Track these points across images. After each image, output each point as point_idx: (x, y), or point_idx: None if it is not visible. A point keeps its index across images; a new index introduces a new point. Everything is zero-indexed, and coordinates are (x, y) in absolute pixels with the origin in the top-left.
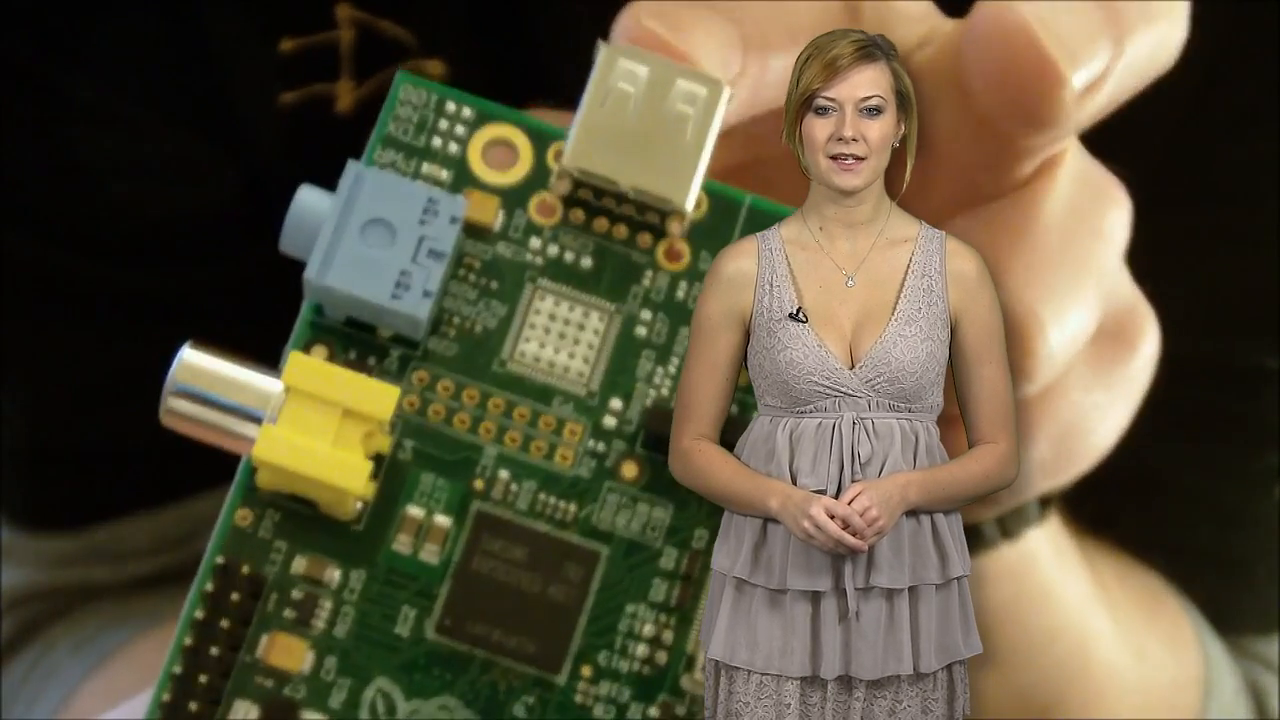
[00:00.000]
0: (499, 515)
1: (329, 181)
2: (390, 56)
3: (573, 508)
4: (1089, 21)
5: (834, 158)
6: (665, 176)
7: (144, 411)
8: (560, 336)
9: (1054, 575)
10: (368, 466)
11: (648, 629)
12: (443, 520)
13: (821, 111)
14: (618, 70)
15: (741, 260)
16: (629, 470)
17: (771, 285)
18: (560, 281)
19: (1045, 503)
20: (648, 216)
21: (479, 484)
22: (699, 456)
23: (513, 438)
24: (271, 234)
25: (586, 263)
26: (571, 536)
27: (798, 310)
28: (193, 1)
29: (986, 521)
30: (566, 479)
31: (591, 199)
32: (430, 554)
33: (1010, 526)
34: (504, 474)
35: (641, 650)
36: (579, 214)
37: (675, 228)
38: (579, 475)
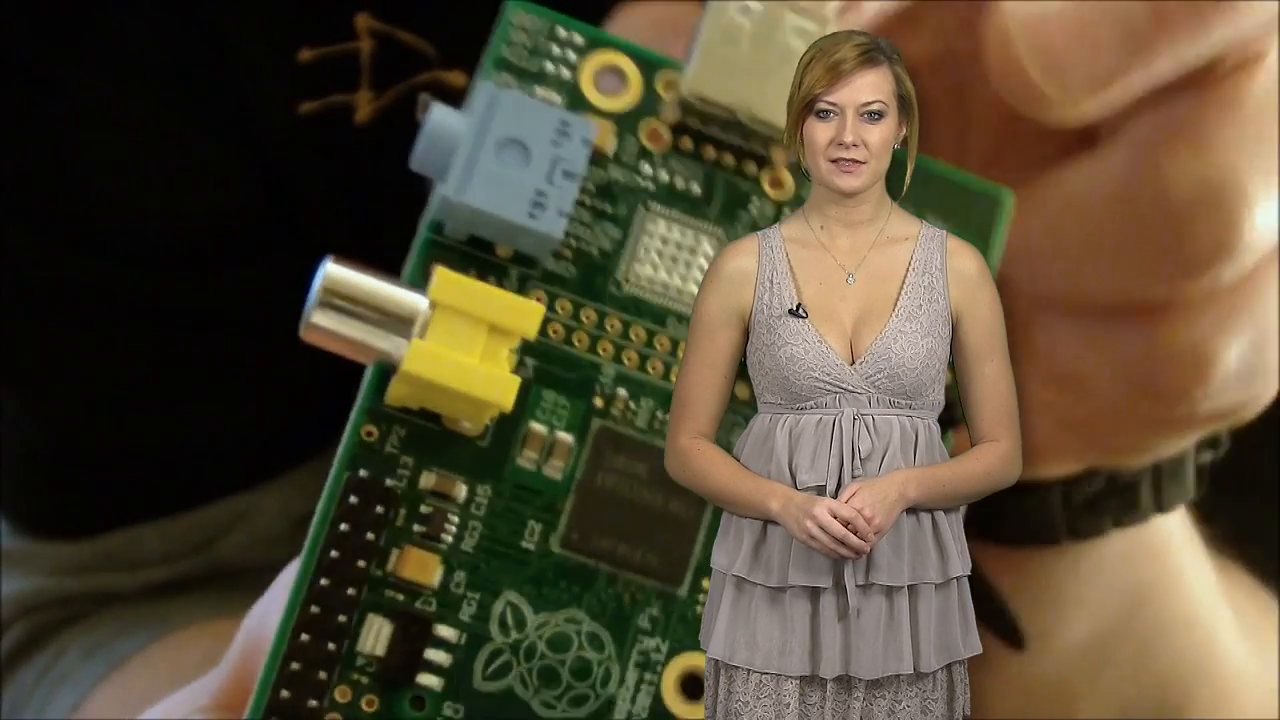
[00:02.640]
0: (621, 431)
1: (349, 192)
2: (410, 68)
3: None
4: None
5: (834, 161)
6: (779, 106)
7: (156, 418)
8: (673, 260)
9: (1187, 561)
10: (516, 381)
11: None
12: (565, 437)
13: (823, 115)
14: (733, 5)
15: (741, 258)
16: (741, 391)
17: (772, 282)
18: (672, 206)
19: (1200, 473)
20: (753, 145)
21: (599, 401)
22: (697, 456)
23: (630, 357)
24: (292, 240)
25: (696, 189)
26: None
27: (798, 306)
28: (214, 11)
29: (1143, 486)
30: None
31: (699, 127)
32: (554, 469)
33: (1167, 497)
34: (622, 392)
35: None
36: (687, 142)
37: (780, 157)
38: None
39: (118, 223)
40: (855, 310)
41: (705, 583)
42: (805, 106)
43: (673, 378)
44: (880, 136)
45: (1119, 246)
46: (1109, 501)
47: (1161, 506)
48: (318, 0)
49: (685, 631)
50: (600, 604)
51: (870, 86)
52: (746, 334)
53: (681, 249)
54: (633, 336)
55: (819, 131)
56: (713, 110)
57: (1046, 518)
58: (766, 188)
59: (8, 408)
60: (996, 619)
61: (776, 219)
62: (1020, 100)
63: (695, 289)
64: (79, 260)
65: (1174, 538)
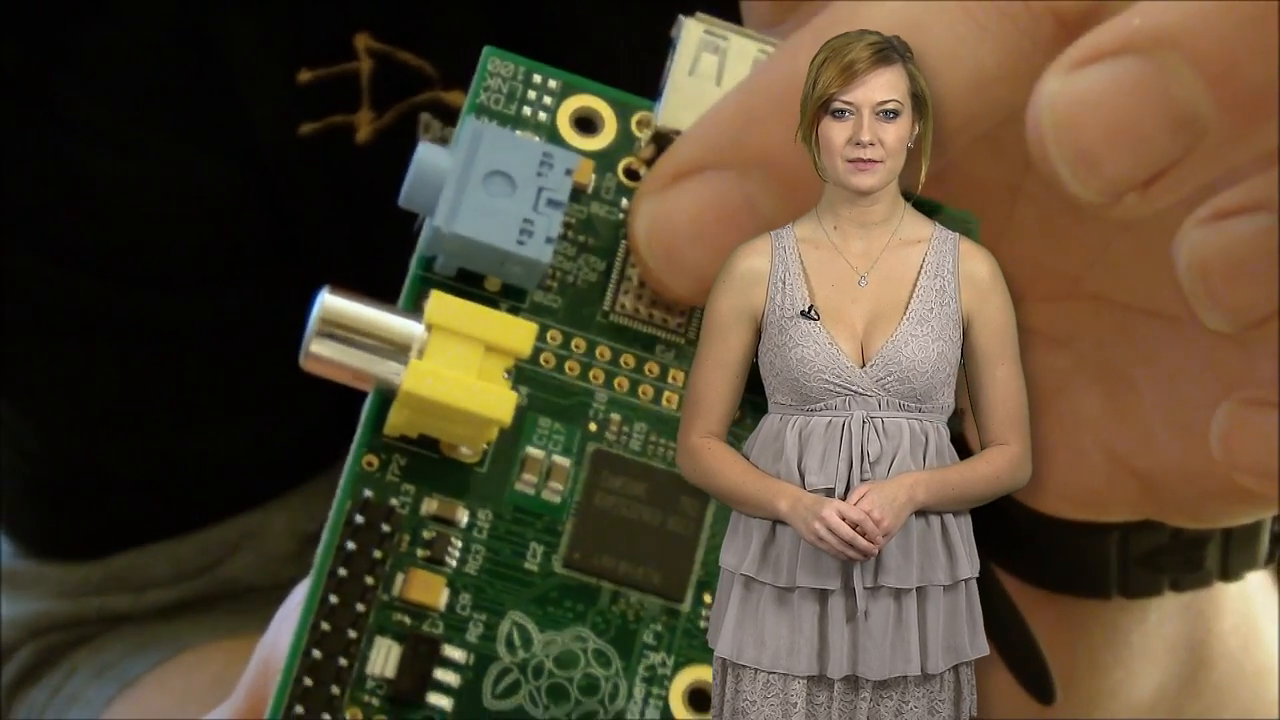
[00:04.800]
0: (616, 454)
1: (351, 212)
2: (410, 87)
3: None
4: None
5: (851, 160)
6: None
7: (162, 438)
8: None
9: (1261, 608)
10: (514, 396)
11: None
12: (562, 460)
13: (839, 115)
14: (701, 41)
15: (754, 258)
16: None
17: (784, 283)
18: None
19: (1275, 540)
20: None
21: (593, 426)
22: (707, 455)
23: (620, 383)
24: (294, 260)
25: None
26: None
27: (809, 308)
28: (214, 33)
29: (1209, 547)
30: (674, 420)
31: None
32: (553, 492)
33: (1234, 565)
34: (616, 416)
35: None
36: None
37: None
38: None
39: (120, 243)
40: (867, 313)
41: (707, 598)
42: (820, 107)
43: (664, 401)
44: (896, 135)
45: None
46: (1169, 559)
47: (1227, 574)
48: (317, 21)
49: (690, 646)
50: (605, 621)
51: (885, 85)
52: (758, 334)
53: None
54: (622, 363)
55: (835, 131)
56: None
57: (1100, 567)
58: None
59: (14, 429)
60: (1030, 669)
61: None
62: (1065, 201)
63: (679, 316)
64: (82, 281)
65: (1255, 593)
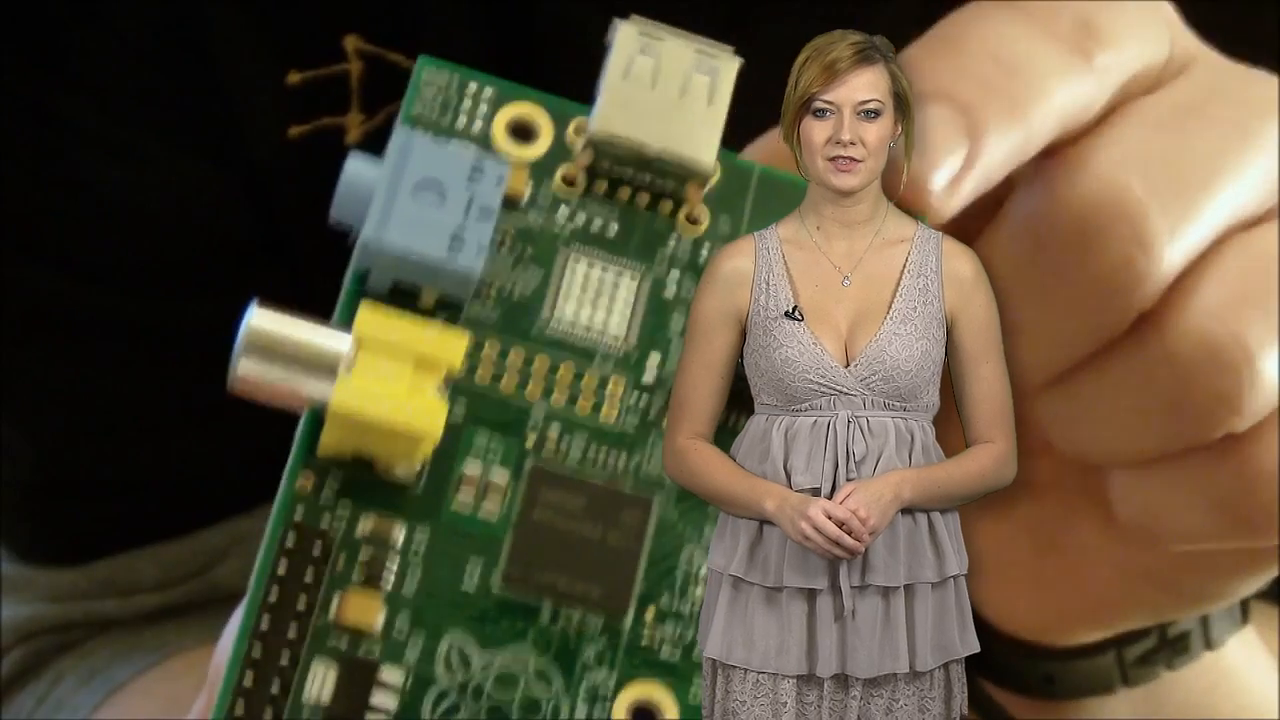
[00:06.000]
0: (554, 469)
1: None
2: (400, 89)
3: (622, 459)
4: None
5: (832, 159)
6: (689, 140)
7: (151, 444)
8: (595, 298)
9: (1241, 657)
10: (442, 408)
11: (704, 571)
12: (500, 477)
13: (820, 114)
14: (636, 44)
15: (738, 259)
16: None
17: (768, 284)
18: (591, 247)
19: (1245, 605)
20: (666, 185)
21: (530, 441)
22: (694, 456)
23: (559, 396)
24: (284, 265)
25: (613, 229)
26: (625, 485)
27: (793, 308)
28: (202, 36)
29: (1193, 635)
30: (614, 433)
31: (612, 170)
32: (491, 509)
33: (1216, 636)
34: (554, 430)
35: (701, 591)
36: (602, 185)
37: (694, 194)
38: (625, 429)
39: (109, 249)
40: (850, 313)
41: (649, 614)
42: (802, 106)
43: (602, 414)
44: (877, 135)
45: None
46: (1161, 654)
47: (1211, 645)
48: (306, 23)
49: (632, 663)
50: (546, 640)
51: (867, 85)
52: (744, 335)
53: (604, 286)
54: (560, 376)
55: (816, 130)
56: (622, 147)
57: (1103, 676)
58: (682, 225)
59: (3, 435)
60: None
61: (694, 254)
62: None
63: (619, 326)
64: (71, 287)
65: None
